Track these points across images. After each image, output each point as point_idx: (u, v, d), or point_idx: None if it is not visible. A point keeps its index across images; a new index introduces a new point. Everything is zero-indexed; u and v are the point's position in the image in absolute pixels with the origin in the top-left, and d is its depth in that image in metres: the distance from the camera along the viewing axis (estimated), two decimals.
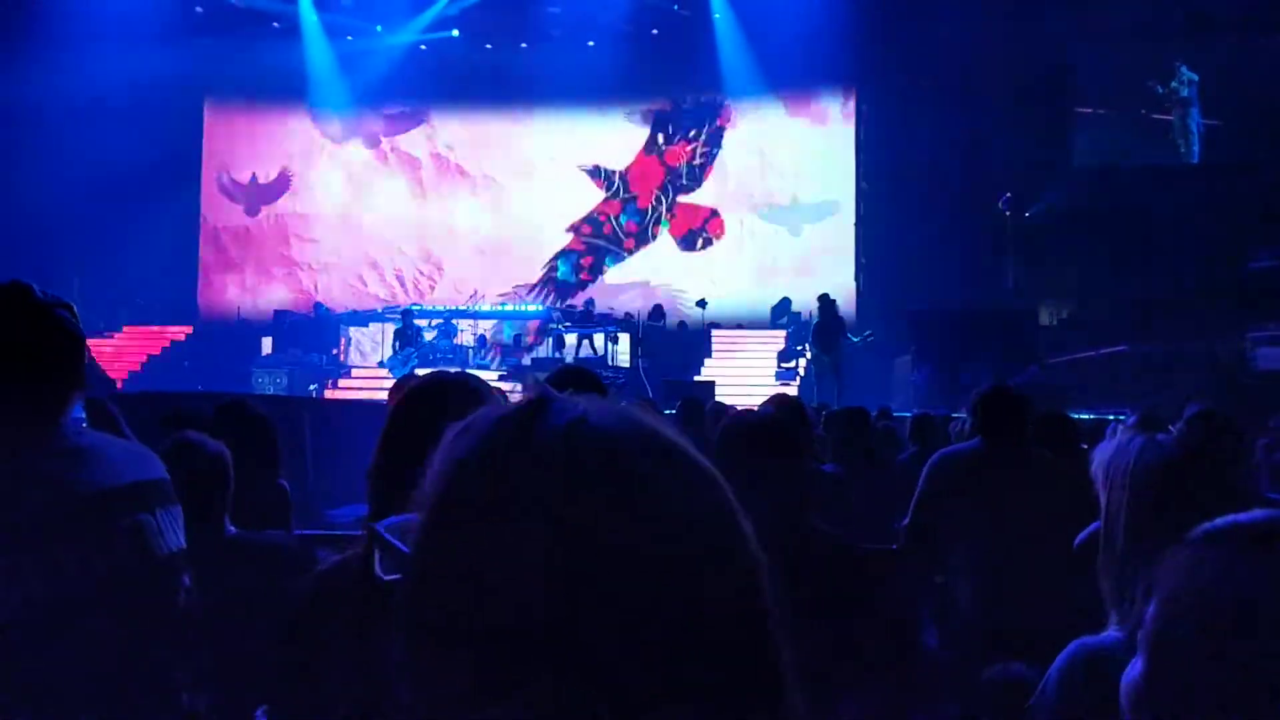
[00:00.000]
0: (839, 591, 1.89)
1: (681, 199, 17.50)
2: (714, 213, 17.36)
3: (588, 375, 2.30)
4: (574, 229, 17.65)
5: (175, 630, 1.60)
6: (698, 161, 17.49)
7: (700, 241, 17.36)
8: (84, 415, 2.83)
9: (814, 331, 12.66)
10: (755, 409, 2.18)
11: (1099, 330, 12.16)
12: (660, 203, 17.45)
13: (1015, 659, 2.49)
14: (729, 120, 17.42)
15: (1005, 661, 2.58)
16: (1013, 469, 3.07)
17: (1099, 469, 1.32)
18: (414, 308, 14.79)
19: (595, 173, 17.71)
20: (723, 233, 17.29)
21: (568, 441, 0.54)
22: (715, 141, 17.50)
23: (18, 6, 14.18)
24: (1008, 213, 13.38)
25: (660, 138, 17.59)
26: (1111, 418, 7.25)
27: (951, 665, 3.09)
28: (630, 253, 17.60)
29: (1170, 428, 3.40)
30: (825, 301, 12.74)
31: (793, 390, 12.55)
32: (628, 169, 17.60)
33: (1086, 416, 7.46)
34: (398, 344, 13.73)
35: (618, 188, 17.60)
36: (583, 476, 0.53)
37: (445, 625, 0.52)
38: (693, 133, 17.50)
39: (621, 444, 0.55)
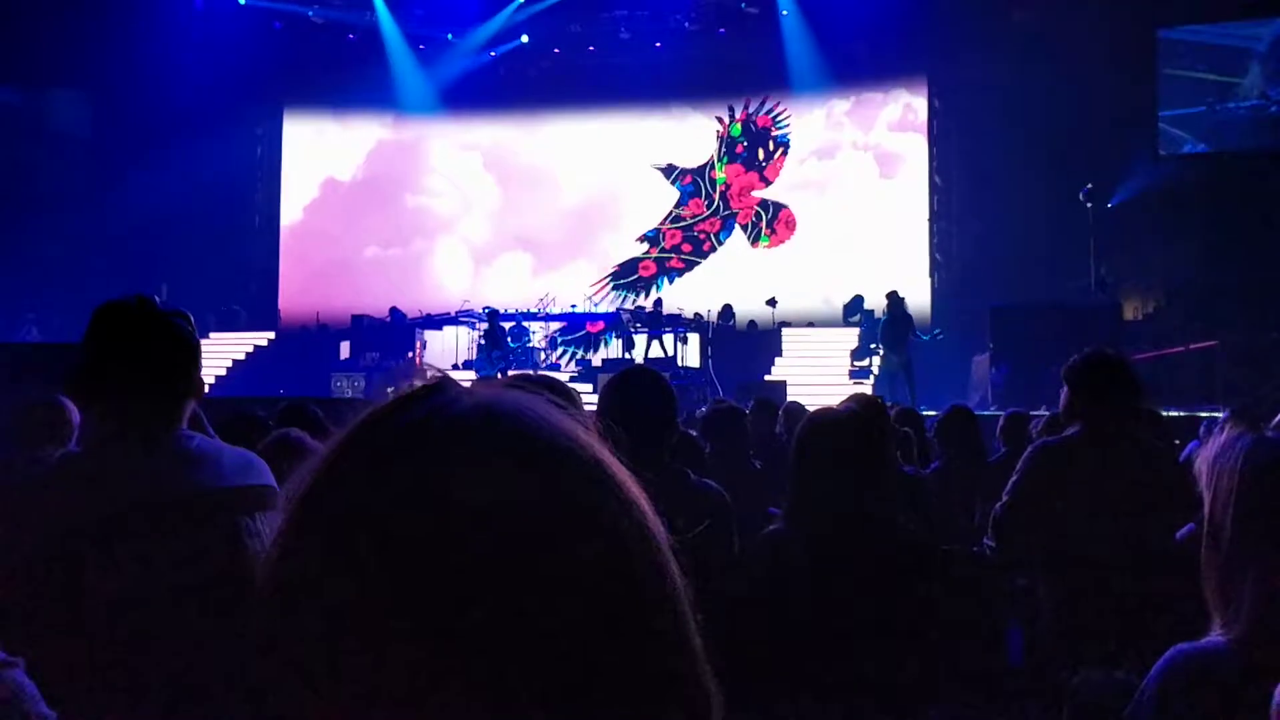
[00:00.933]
0: (922, 592, 1.85)
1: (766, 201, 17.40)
2: (791, 218, 17.23)
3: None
4: (674, 249, 17.62)
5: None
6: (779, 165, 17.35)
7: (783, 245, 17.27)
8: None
9: (882, 329, 12.45)
10: (834, 407, 2.14)
11: (1187, 324, 11.71)
12: (760, 219, 17.32)
13: (1105, 663, 2.41)
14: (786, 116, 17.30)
15: (1094, 667, 2.49)
16: (1116, 455, 2.82)
17: (1202, 465, 1.26)
18: (495, 310, 14.93)
19: (669, 172, 17.71)
20: (793, 230, 17.15)
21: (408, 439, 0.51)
22: (784, 141, 17.37)
23: (106, 23, 14.77)
24: (1089, 204, 12.96)
25: (760, 152, 17.42)
26: (1204, 414, 6.98)
27: (1036, 671, 3.00)
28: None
29: (1262, 425, 3.23)
30: (894, 299, 12.51)
31: (867, 389, 12.37)
32: (728, 186, 17.51)
33: (1177, 414, 7.19)
34: (485, 344, 13.93)
35: (717, 205, 17.53)
36: (400, 475, 0.50)
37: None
38: (771, 143, 17.35)
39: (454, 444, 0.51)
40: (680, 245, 17.64)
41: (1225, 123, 14.05)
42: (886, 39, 15.10)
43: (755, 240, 17.25)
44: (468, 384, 0.58)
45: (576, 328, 15.88)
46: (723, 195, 17.48)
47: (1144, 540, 2.66)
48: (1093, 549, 2.73)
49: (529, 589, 0.48)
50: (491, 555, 0.48)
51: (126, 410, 1.63)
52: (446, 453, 0.50)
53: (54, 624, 1.46)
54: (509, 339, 14.22)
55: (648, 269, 17.72)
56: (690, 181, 17.60)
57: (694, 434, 3.94)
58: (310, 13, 16.64)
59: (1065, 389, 3.01)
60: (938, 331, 12.61)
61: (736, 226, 17.42)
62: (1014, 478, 2.96)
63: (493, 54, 17.22)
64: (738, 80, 17.04)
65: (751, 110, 17.46)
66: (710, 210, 17.52)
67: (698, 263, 17.59)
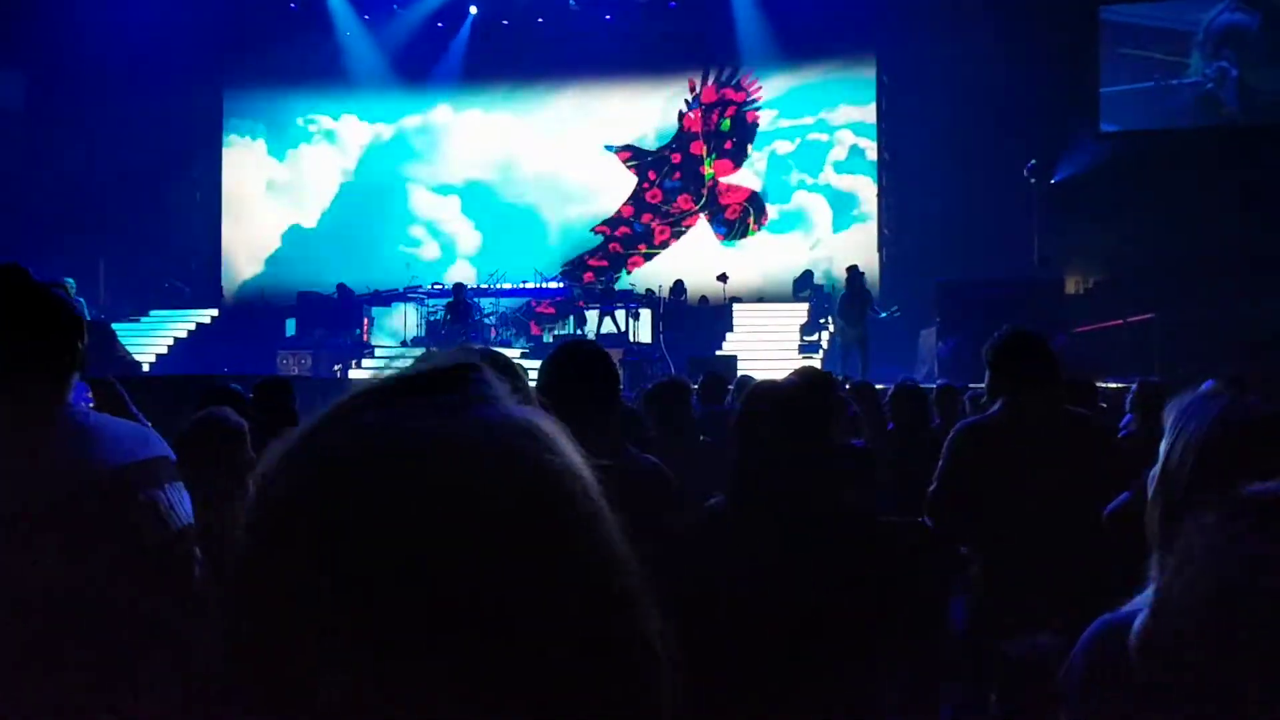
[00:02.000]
0: (866, 566, 1.87)
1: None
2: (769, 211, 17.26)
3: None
4: (663, 244, 17.52)
5: (191, 602, 1.62)
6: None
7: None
8: (90, 396, 2.88)
9: (841, 303, 12.56)
10: (777, 380, 2.15)
11: (1127, 298, 11.99)
12: (748, 214, 17.26)
13: (1040, 632, 2.47)
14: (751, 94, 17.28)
15: (1029, 634, 2.55)
16: (1040, 431, 2.88)
17: (1170, 412, 1.27)
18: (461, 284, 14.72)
19: (638, 155, 17.56)
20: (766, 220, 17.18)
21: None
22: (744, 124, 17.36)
23: (40, 2, 14.24)
24: (1034, 180, 13.17)
25: (749, 147, 17.31)
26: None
27: (975, 639, 3.06)
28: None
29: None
30: (854, 273, 12.64)
31: (816, 363, 12.49)
32: (715, 182, 17.39)
33: (1115, 385, 7.37)
34: (448, 318, 13.78)
35: (705, 200, 17.42)
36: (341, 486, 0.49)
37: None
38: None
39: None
40: (669, 241, 17.53)
41: (1172, 100, 14.32)
42: (836, 13, 15.14)
43: (743, 235, 17.22)
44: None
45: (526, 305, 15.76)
46: (711, 191, 17.42)
47: (1068, 511, 2.72)
48: (1017, 523, 2.79)
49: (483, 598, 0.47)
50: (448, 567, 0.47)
51: (11, 388, 1.57)
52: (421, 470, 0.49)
53: None
54: (472, 315, 14.08)
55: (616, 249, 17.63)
56: (679, 178, 17.48)
57: (635, 408, 3.93)
58: None
59: (987, 369, 3.06)
60: (895, 309, 12.75)
61: (724, 222, 17.35)
62: (941, 459, 3.02)
63: (439, 25, 16.91)
64: (688, 54, 16.95)
65: (722, 80, 17.35)
66: (700, 205, 17.45)
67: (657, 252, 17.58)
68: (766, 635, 1.76)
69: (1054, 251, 13.32)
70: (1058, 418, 2.94)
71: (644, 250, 17.52)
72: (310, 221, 18.18)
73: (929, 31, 14.34)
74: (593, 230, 17.64)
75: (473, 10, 16.73)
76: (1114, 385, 7.39)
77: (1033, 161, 13.10)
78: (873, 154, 16.65)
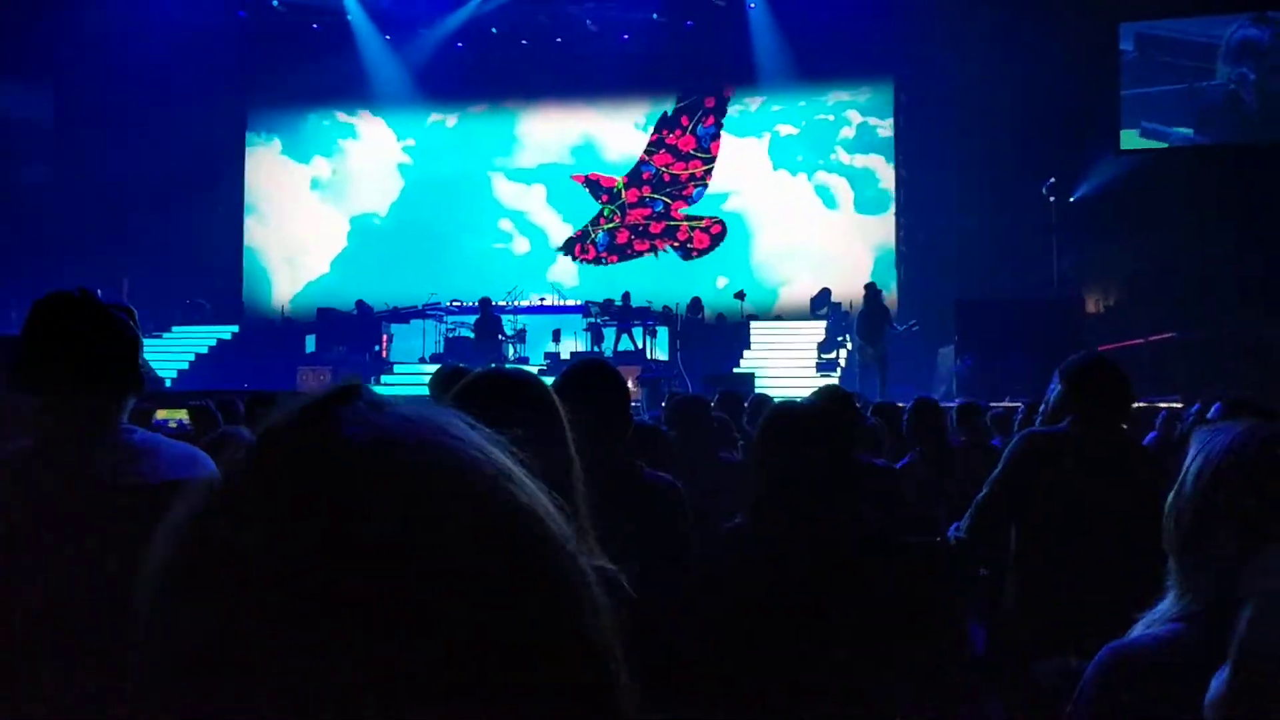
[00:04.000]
0: (886, 586, 1.87)
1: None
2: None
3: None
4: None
5: None
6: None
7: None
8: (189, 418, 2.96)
9: (859, 321, 12.51)
10: (798, 400, 2.15)
11: (1147, 317, 11.92)
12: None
13: (1071, 654, 2.44)
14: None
15: (1060, 656, 2.53)
16: (1106, 451, 2.85)
17: (1195, 437, 1.26)
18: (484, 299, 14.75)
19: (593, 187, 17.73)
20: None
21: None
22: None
23: (68, 17, 14.47)
24: (1052, 198, 13.14)
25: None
26: (1162, 405, 7.11)
27: (999, 662, 3.03)
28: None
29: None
30: (871, 291, 12.60)
31: (834, 381, 12.46)
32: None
33: (1136, 405, 7.32)
34: (475, 336, 13.83)
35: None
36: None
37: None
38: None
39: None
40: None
41: (1201, 100, 14.31)
42: (853, 33, 15.18)
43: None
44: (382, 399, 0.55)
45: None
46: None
47: (1125, 534, 2.69)
48: (1069, 541, 2.76)
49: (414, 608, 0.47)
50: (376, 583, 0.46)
51: (67, 404, 1.63)
52: (338, 486, 0.48)
53: (22, 615, 1.46)
54: (501, 331, 14.12)
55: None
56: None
57: (656, 424, 3.93)
58: (274, 1, 16.42)
59: (1059, 385, 3.05)
60: (913, 324, 12.70)
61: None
62: (999, 466, 2.97)
63: (459, 45, 17.08)
64: (706, 73, 17.05)
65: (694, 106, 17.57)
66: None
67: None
68: (785, 653, 1.77)
69: (1073, 270, 13.26)
70: (1123, 442, 2.93)
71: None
72: (329, 237, 18.35)
73: (947, 51, 14.37)
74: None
75: (494, 30, 16.89)
76: (1135, 406, 7.33)
77: (1051, 180, 13.07)
78: (889, 175, 16.65)
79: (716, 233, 17.36)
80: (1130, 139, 14.38)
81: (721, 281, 16.56)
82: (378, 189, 18.36)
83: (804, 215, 17.04)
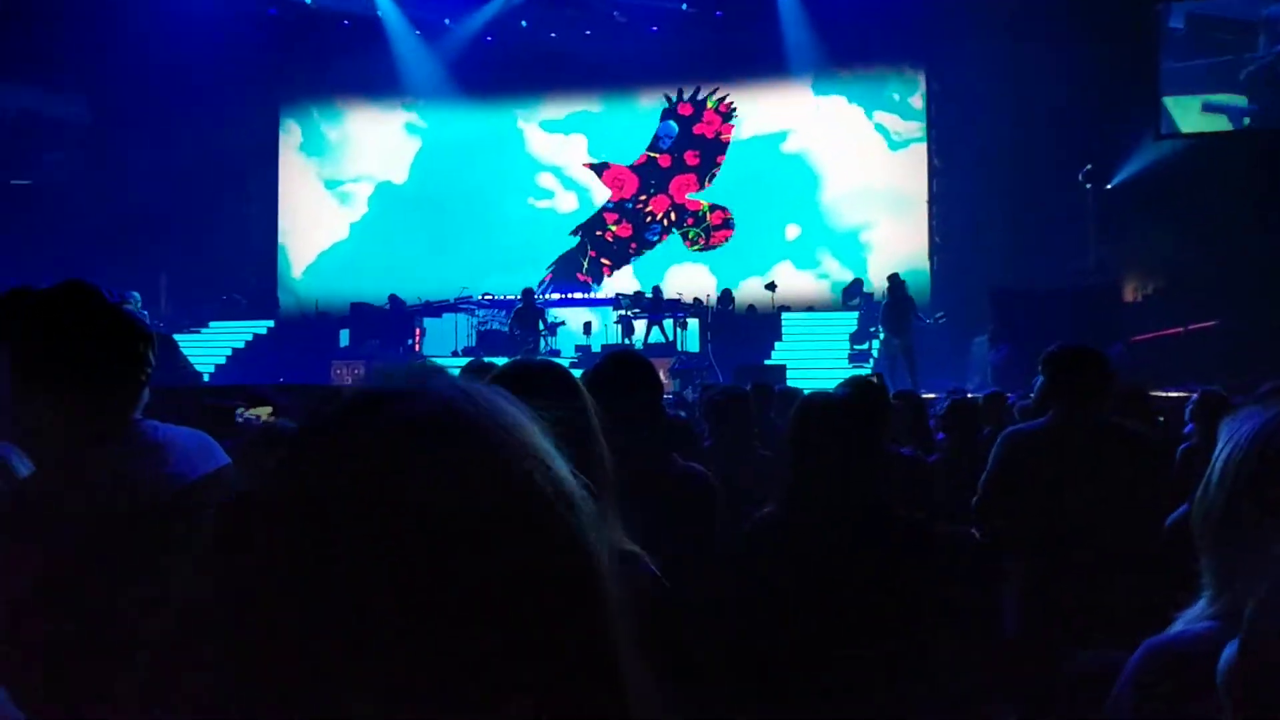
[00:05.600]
0: (917, 575, 1.86)
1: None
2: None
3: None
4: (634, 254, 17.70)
5: None
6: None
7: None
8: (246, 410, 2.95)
9: (883, 312, 12.43)
10: (829, 391, 2.15)
11: (1187, 305, 11.70)
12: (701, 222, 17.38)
13: (1096, 645, 2.42)
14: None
15: (1084, 648, 2.51)
16: (1088, 443, 2.87)
17: (1223, 428, 1.24)
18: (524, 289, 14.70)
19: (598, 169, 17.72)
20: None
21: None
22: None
23: (102, 16, 14.70)
24: (1089, 185, 12.93)
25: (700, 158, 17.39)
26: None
27: (1029, 651, 3.01)
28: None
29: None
30: (895, 282, 12.50)
31: (867, 372, 12.39)
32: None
33: (1176, 394, 7.19)
34: (518, 327, 13.88)
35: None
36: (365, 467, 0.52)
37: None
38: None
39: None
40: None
41: (1244, 70, 13.95)
42: (884, 21, 15.02)
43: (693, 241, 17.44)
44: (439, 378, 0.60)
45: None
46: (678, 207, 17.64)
47: (1112, 525, 2.69)
48: (1059, 534, 2.78)
49: (460, 580, 0.50)
50: (430, 550, 0.50)
51: (81, 401, 1.58)
52: (398, 453, 0.52)
53: (66, 632, 1.45)
54: (543, 321, 14.17)
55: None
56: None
57: (684, 416, 3.93)
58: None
59: (1040, 378, 3.09)
60: (940, 315, 12.57)
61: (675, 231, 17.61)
62: (986, 468, 3.03)
63: (489, 39, 17.14)
64: (734, 64, 16.96)
65: (700, 97, 17.48)
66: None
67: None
68: (816, 641, 1.76)
69: (1111, 257, 13.04)
70: (1106, 432, 2.93)
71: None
72: (362, 232, 18.52)
73: (979, 37, 14.16)
74: (571, 233, 17.88)
75: (523, 24, 16.92)
76: (1174, 395, 7.21)
77: (1088, 166, 12.85)
78: (921, 163, 16.48)
79: (723, 222, 17.33)
80: (1188, 118, 13.97)
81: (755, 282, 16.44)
82: (408, 178, 18.50)
83: (838, 204, 16.94)
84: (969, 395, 5.46)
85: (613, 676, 0.55)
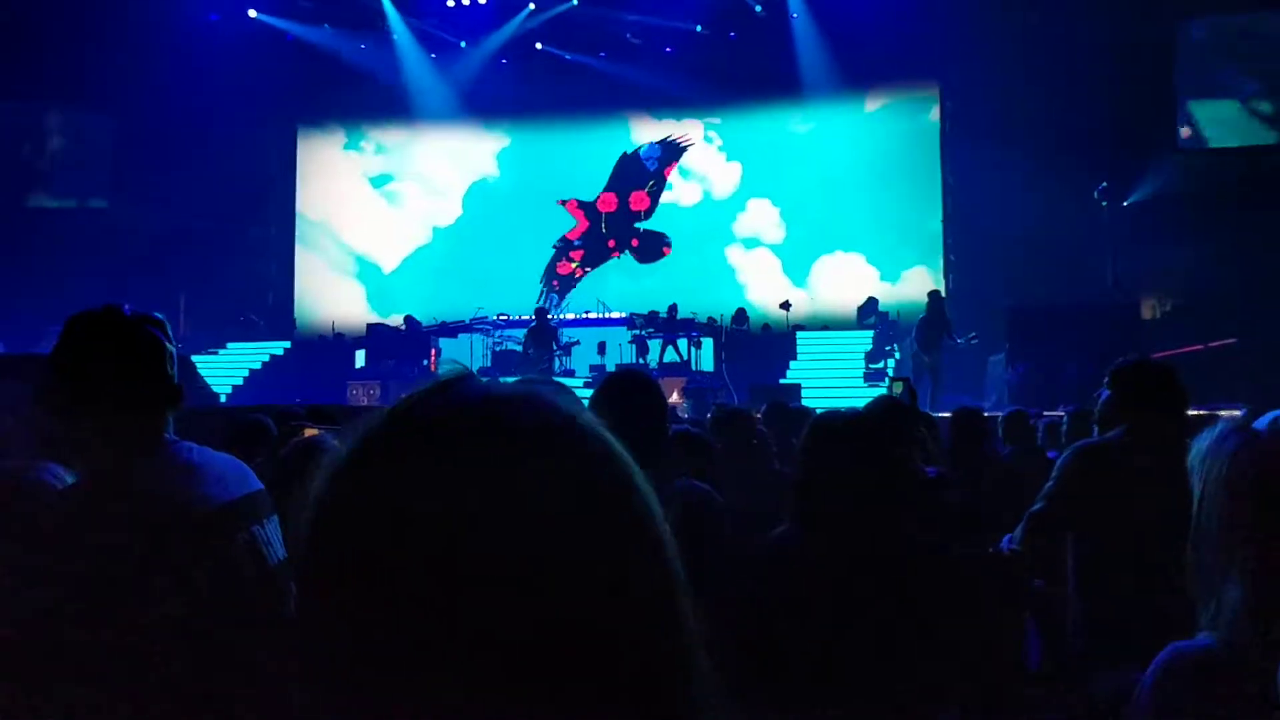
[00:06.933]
0: (932, 597, 1.83)
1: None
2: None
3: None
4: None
5: (287, 637, 1.64)
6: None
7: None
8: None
9: (918, 328, 12.31)
10: (842, 410, 2.13)
11: (1207, 322, 11.59)
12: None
13: (1133, 665, 2.37)
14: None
15: (1122, 669, 2.46)
16: (1162, 460, 2.79)
17: (1194, 461, 1.24)
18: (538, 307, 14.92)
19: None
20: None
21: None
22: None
23: (126, 41, 14.92)
24: (1104, 203, 12.86)
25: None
26: (1224, 413, 6.91)
27: (1055, 675, 2.96)
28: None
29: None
30: (934, 298, 12.42)
31: (881, 391, 12.32)
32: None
33: (1197, 413, 7.11)
34: (530, 348, 13.90)
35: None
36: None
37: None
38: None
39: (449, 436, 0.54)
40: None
41: (1247, 114, 13.88)
42: (898, 39, 15.05)
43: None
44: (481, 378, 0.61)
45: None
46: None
47: (1183, 549, 2.62)
48: (1127, 554, 2.68)
49: (534, 573, 0.50)
50: (501, 542, 0.50)
51: (112, 421, 1.61)
52: (456, 445, 0.53)
53: (102, 649, 1.45)
54: (557, 342, 14.19)
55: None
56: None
57: (697, 432, 3.91)
58: (324, 25, 16.77)
59: (1108, 391, 2.97)
60: (973, 335, 12.48)
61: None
62: (1052, 479, 2.90)
63: (504, 61, 17.28)
64: (749, 84, 17.02)
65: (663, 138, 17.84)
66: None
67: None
68: (830, 664, 1.73)
69: (1128, 275, 12.95)
70: (1180, 449, 2.83)
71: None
72: (377, 253, 18.66)
73: (993, 54, 14.16)
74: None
75: (538, 45, 17.06)
76: (1194, 412, 7.13)
77: (1104, 184, 12.80)
78: (935, 181, 16.46)
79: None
80: (1188, 138, 13.94)
81: (769, 294, 16.45)
82: (428, 201, 18.63)
83: (851, 222, 16.93)
84: (981, 410, 5.40)
85: (687, 681, 0.55)
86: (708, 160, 17.98)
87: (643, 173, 18.07)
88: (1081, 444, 3.04)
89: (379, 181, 18.82)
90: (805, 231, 17.15)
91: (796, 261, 17.11)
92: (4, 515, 1.72)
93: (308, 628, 0.53)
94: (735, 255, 17.57)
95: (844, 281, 16.58)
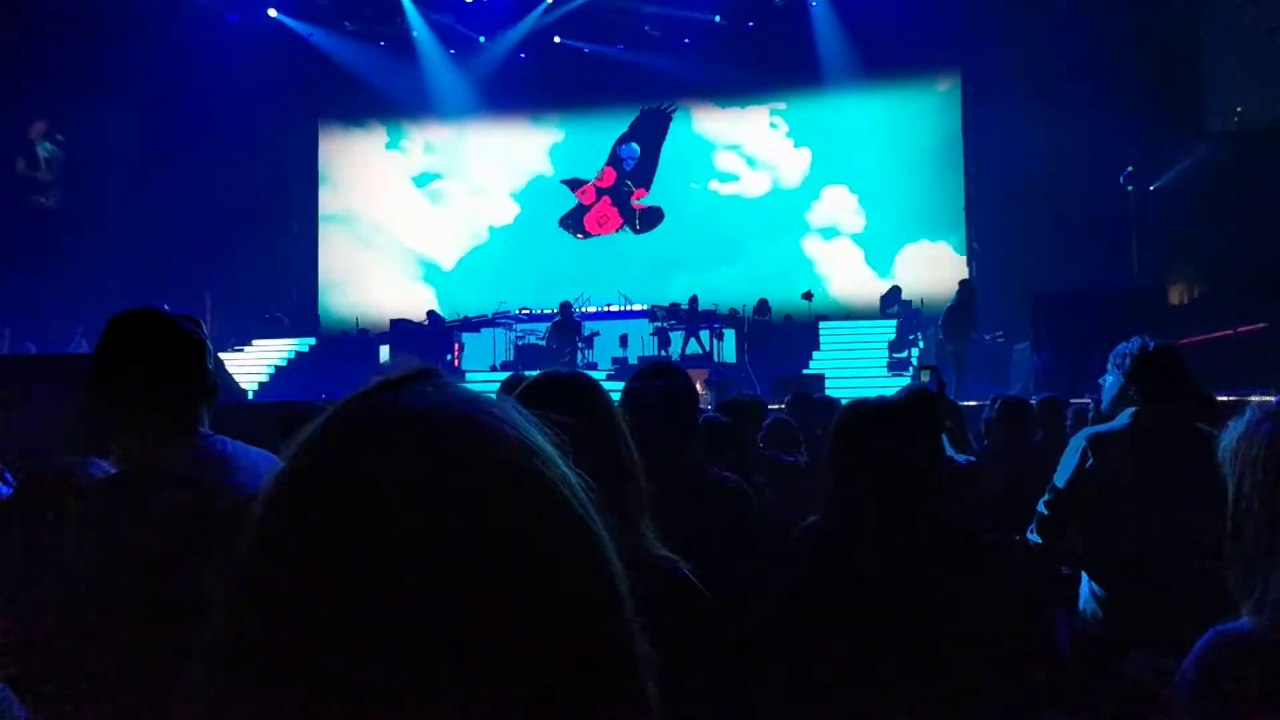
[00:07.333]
0: (967, 585, 1.83)
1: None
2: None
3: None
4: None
5: None
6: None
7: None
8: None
9: (945, 315, 12.22)
10: (872, 399, 2.13)
11: (1235, 308, 11.44)
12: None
13: (1160, 652, 2.37)
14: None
15: (1145, 654, 2.46)
16: (1171, 445, 2.75)
17: (1226, 451, 1.23)
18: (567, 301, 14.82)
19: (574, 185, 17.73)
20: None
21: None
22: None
23: (149, 41, 15.08)
24: (1130, 187, 12.71)
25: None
26: (1255, 398, 6.83)
27: (1080, 660, 2.95)
28: None
29: None
30: (965, 288, 12.34)
31: (904, 380, 12.27)
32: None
33: (1226, 398, 7.04)
34: (554, 341, 13.94)
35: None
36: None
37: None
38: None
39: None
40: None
41: (1274, 95, 13.60)
42: (918, 27, 14.94)
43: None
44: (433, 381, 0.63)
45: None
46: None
47: (1199, 530, 2.61)
48: (1144, 540, 2.67)
49: (449, 567, 0.52)
50: (418, 537, 0.52)
51: (148, 416, 1.68)
52: (388, 441, 0.56)
53: (129, 633, 1.50)
54: (580, 334, 14.21)
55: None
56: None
57: (727, 423, 3.92)
58: (344, 22, 16.86)
59: (1114, 376, 2.96)
60: (999, 334, 12.37)
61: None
62: (1060, 469, 2.90)
63: (522, 55, 17.31)
64: (769, 74, 16.96)
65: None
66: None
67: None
68: (865, 653, 1.74)
69: (1155, 260, 12.81)
70: (1189, 433, 2.81)
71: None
72: (401, 249, 18.76)
73: (1014, 39, 14.03)
74: None
75: (556, 39, 17.07)
76: (1224, 398, 7.06)
77: (1129, 168, 12.64)
78: (958, 168, 16.32)
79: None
80: (1215, 119, 13.67)
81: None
82: (454, 198, 18.72)
83: (873, 211, 16.82)
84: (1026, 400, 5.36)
85: (622, 657, 0.56)
86: (775, 148, 17.72)
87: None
88: (1087, 430, 3.03)
89: (422, 180, 18.89)
90: (825, 220, 17.05)
91: (879, 251, 16.90)
92: (53, 507, 1.78)
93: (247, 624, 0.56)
94: (813, 246, 17.33)
95: (934, 271, 16.13)
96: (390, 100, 17.89)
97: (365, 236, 18.85)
